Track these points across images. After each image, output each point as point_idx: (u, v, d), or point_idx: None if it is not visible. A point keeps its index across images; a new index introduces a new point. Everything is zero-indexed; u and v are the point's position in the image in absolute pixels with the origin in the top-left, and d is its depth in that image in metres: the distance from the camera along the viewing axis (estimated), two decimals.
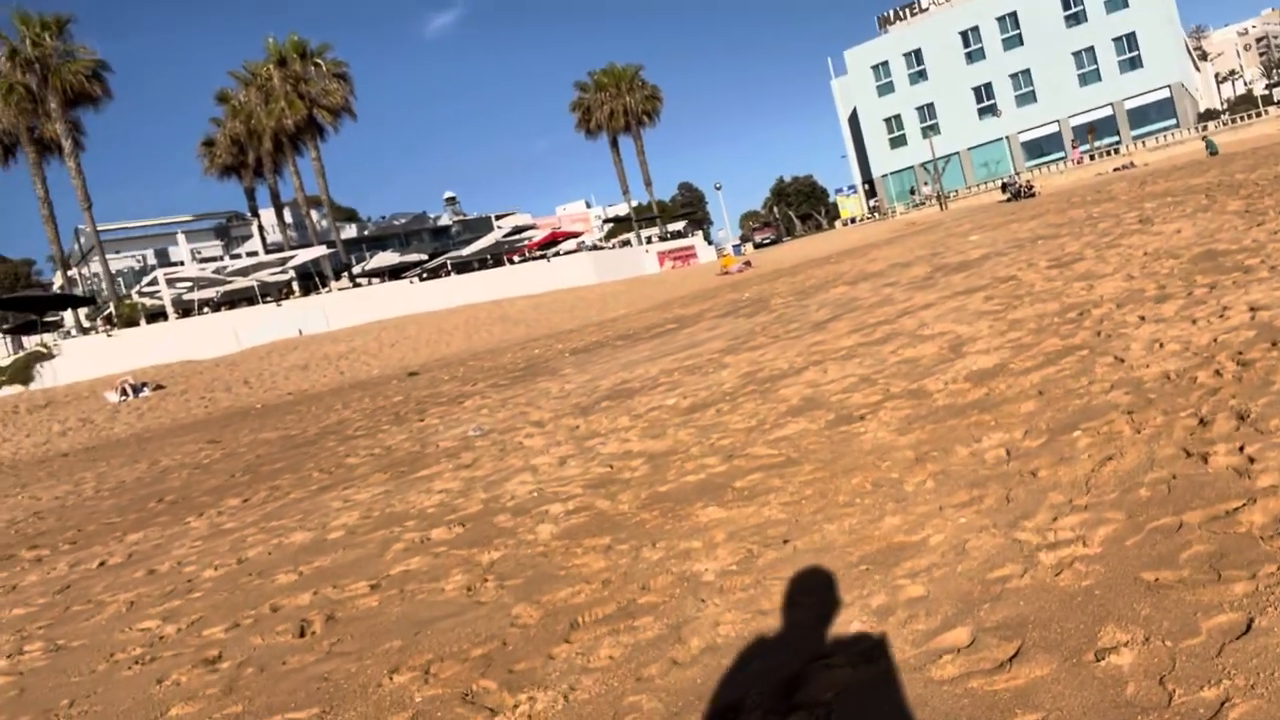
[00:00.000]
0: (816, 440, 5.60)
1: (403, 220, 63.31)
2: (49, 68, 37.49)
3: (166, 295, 39.85)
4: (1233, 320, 6.16)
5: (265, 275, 45.10)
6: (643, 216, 64.88)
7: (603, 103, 61.69)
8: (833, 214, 74.66)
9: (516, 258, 52.65)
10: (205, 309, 41.84)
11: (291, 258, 44.12)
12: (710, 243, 77.21)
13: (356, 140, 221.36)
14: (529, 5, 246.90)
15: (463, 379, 15.42)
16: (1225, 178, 16.77)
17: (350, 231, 61.37)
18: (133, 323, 39.06)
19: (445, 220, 66.13)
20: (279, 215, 50.76)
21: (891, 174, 76.77)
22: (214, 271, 42.65)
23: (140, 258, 51.37)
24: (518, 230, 55.36)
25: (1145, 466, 3.92)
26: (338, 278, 48.19)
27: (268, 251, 50.99)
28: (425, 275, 49.86)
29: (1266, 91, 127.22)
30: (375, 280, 52.53)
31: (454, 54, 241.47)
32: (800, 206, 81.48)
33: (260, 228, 51.96)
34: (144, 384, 26.94)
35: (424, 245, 62.52)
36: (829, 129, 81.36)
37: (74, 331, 40.67)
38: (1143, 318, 6.92)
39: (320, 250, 44.78)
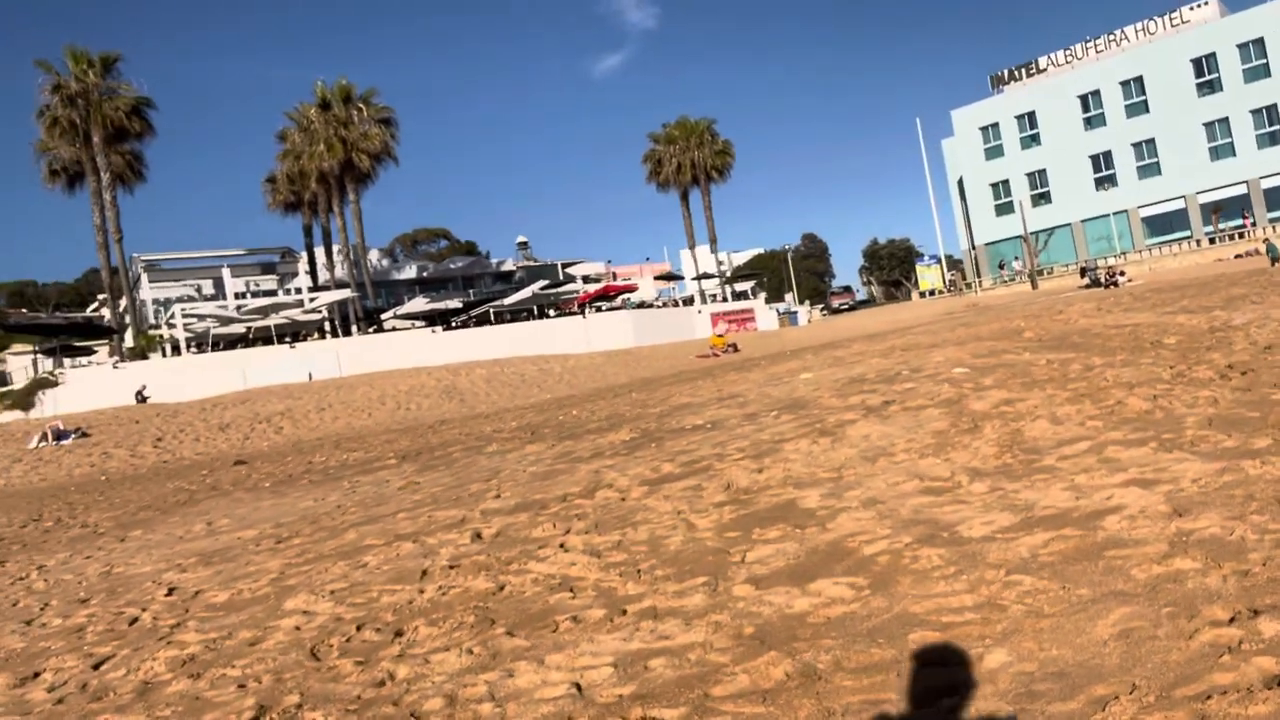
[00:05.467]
0: None
1: (460, 264, 63.00)
2: (91, 103, 38.81)
3: (181, 330, 40.32)
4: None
5: (297, 314, 45.22)
6: (707, 275, 61.96)
7: (672, 156, 59.74)
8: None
9: (553, 311, 51.07)
10: (220, 345, 42.15)
11: (314, 299, 44.01)
12: (817, 305, 72.70)
13: (504, 181, 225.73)
14: (684, 57, 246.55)
15: (190, 491, 13.44)
16: (1162, 319, 12.89)
17: (410, 272, 61.61)
18: (144, 355, 39.63)
19: (509, 265, 65.48)
20: (329, 255, 51.16)
21: (996, 242, 71.04)
22: (235, 310, 42.96)
23: (197, 287, 52.90)
24: (565, 280, 53.71)
25: None
26: (371, 321, 47.89)
27: (317, 289, 51.46)
28: (461, 323, 48.94)
29: None
30: (419, 324, 52.17)
31: (619, 95, 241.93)
32: (893, 271, 76.47)
33: (313, 264, 52.52)
34: (73, 429, 26.53)
35: (482, 291, 61.97)
36: (933, 191, 76.22)
37: (105, 359, 41.67)
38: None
39: (344, 293, 44.49)
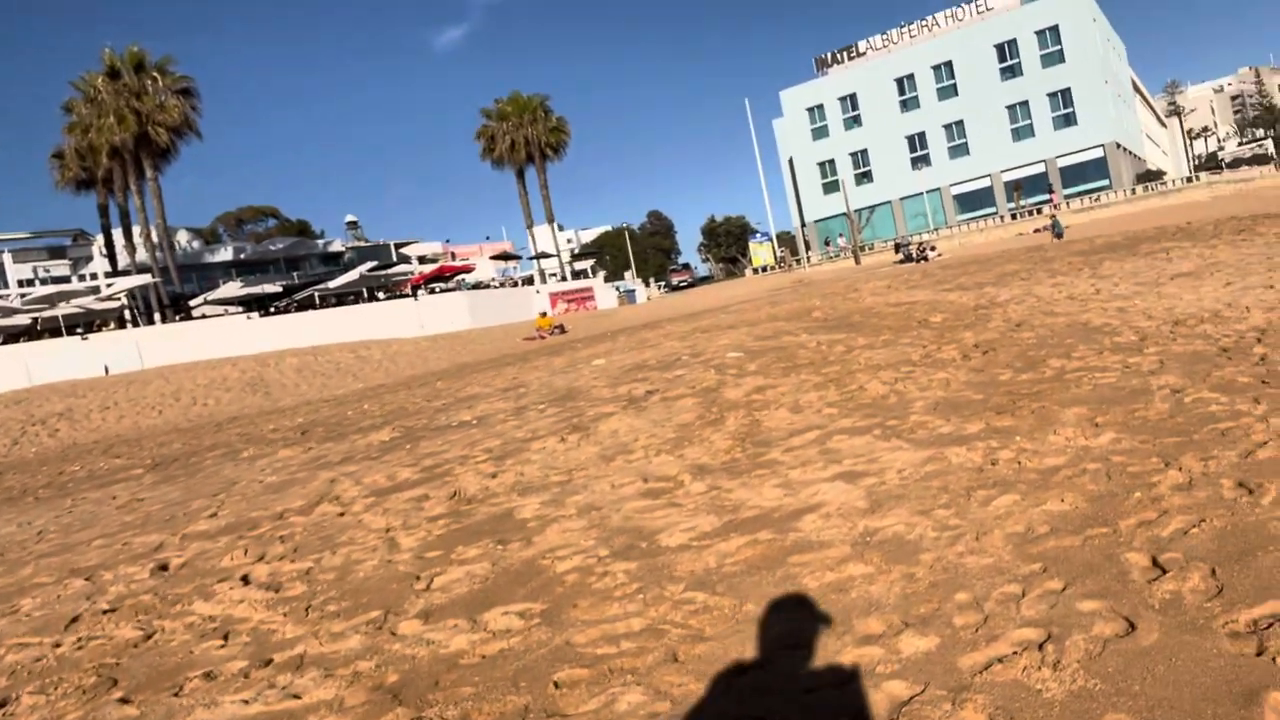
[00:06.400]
0: None
1: (282, 245, 59.49)
2: None
3: None
4: None
5: (91, 303, 41.34)
6: (545, 254, 61.22)
7: (506, 133, 58.40)
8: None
9: (383, 294, 49.05)
10: (1, 339, 37.97)
11: (110, 284, 40.37)
12: (657, 282, 72.95)
13: (340, 159, 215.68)
14: (528, 32, 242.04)
15: None
16: (938, 297, 13.32)
17: (226, 254, 57.70)
18: None
19: (338, 246, 62.42)
20: (128, 237, 46.97)
21: (825, 220, 73.57)
22: (18, 299, 38.83)
23: None
24: (399, 261, 51.69)
25: None
26: (179, 309, 44.45)
27: (115, 275, 47.23)
28: (281, 309, 46.14)
29: (1240, 149, 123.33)
30: (234, 310, 48.82)
31: (461, 69, 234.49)
32: (730, 248, 78.02)
33: (110, 247, 48.15)
34: None
35: (307, 273, 58.85)
36: (766, 170, 77.76)
37: None
38: None
39: (144, 278, 41.00)
